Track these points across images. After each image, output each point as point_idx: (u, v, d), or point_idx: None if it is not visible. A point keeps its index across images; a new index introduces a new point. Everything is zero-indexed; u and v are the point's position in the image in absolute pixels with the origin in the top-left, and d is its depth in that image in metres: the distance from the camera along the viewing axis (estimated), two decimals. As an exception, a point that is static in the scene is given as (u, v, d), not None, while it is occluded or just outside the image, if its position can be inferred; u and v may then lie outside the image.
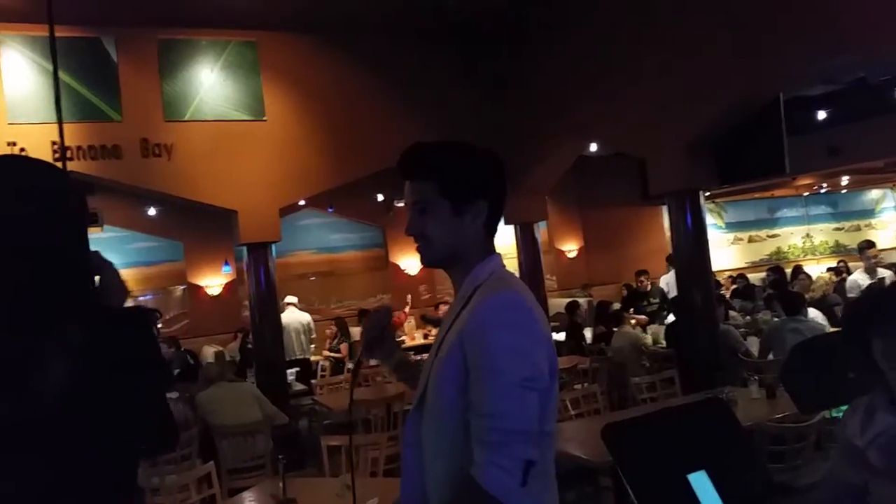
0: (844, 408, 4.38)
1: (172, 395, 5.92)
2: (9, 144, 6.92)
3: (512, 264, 9.50)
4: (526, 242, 9.71)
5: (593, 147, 9.69)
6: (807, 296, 7.81)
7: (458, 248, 1.66)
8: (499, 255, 1.71)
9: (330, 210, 11.80)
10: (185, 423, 5.39)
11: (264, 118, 8.22)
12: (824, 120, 9.73)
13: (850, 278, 8.60)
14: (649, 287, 10.82)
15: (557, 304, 10.82)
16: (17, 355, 1.38)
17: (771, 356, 6.14)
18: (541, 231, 10.23)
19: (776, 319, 7.15)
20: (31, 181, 1.41)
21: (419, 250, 1.69)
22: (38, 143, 6.98)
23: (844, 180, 14.39)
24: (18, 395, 1.38)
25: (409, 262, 12.31)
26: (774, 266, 11.05)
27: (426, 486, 1.63)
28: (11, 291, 1.39)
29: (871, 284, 7.67)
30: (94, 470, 1.44)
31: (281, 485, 3.57)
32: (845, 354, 2.40)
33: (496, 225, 1.72)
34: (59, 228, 1.42)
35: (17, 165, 1.52)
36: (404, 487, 1.70)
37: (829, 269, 10.24)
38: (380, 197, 12.00)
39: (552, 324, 9.21)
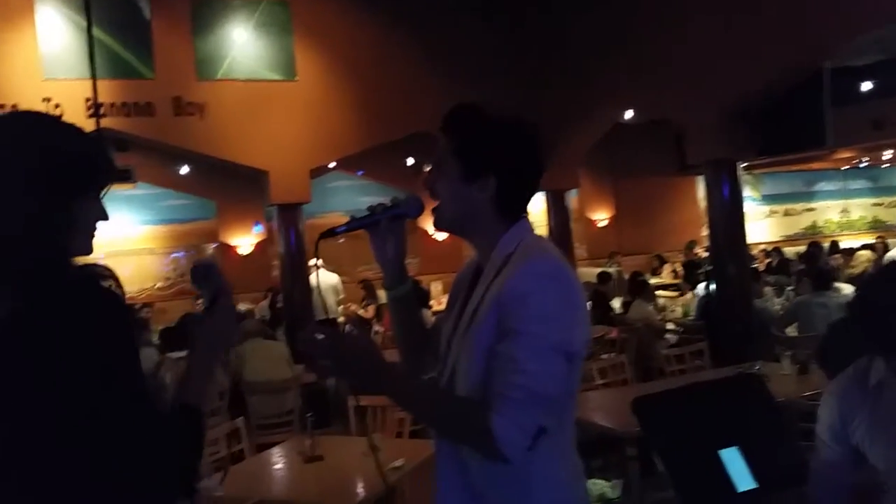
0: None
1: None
2: (44, 100, 6.97)
3: (541, 232, 9.39)
4: (556, 210, 9.65)
5: (629, 114, 9.51)
6: (846, 272, 7.65)
7: (466, 216, 1.57)
8: (526, 219, 1.60)
9: (359, 173, 11.77)
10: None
11: (296, 78, 8.18)
12: (869, 91, 9.43)
13: (888, 256, 8.41)
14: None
15: (586, 273, 10.74)
16: None
17: (796, 332, 6.02)
18: (571, 199, 10.13)
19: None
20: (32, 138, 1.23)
21: (433, 210, 1.61)
22: (73, 99, 7.02)
23: (887, 154, 13.99)
24: None
25: (438, 227, 12.28)
26: (812, 241, 10.85)
27: (472, 487, 1.51)
28: None
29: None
30: None
31: (309, 442, 3.61)
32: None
33: (517, 202, 1.58)
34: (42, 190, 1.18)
35: (27, 122, 1.29)
36: (441, 487, 1.58)
37: (864, 247, 10.01)
38: (409, 161, 11.92)
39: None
